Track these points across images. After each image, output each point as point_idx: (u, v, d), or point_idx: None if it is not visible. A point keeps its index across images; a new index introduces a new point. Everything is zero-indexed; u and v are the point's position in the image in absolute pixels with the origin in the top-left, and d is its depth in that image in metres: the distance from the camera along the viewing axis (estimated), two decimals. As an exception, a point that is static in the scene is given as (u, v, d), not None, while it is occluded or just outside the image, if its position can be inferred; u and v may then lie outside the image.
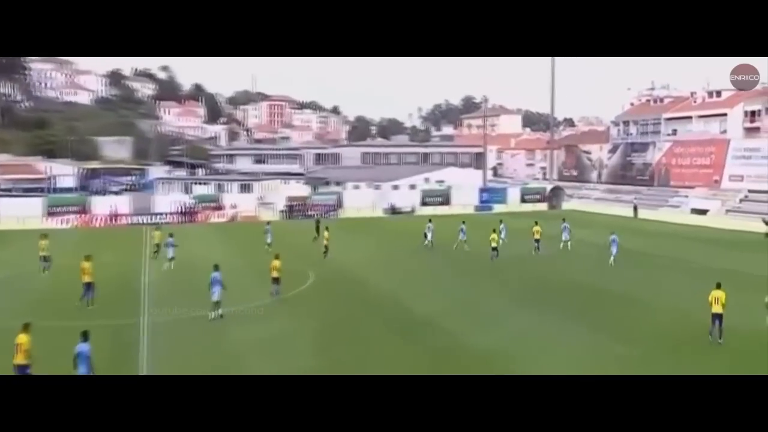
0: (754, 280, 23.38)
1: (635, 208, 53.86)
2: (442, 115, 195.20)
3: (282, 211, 53.49)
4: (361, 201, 56.73)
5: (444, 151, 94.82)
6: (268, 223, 38.52)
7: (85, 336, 12.82)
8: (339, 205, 55.71)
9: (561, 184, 70.03)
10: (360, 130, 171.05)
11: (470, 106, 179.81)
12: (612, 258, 28.87)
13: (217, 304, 19.22)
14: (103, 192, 68.83)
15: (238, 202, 54.33)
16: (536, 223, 33.31)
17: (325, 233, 31.84)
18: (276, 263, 22.19)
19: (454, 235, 34.63)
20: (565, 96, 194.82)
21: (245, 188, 66.42)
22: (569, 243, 33.26)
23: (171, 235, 28.83)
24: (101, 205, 50.83)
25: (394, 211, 56.51)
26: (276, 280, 22.05)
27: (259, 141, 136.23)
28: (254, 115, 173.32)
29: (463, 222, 35.40)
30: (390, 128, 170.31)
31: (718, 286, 17.11)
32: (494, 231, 31.31)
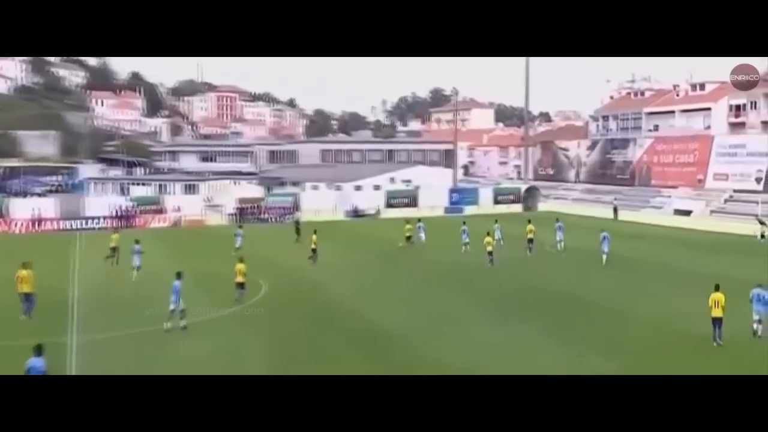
0: (743, 285, 24.08)
1: (615, 210, 55.12)
2: (409, 108, 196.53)
3: (232, 215, 52.79)
4: (320, 203, 56.40)
5: (411, 148, 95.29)
6: (240, 226, 39.26)
7: (39, 350, 12.73)
8: (296, 207, 55.27)
9: (537, 183, 71.22)
10: (319, 125, 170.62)
11: (439, 99, 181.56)
12: (604, 257, 30.00)
13: (182, 313, 19.32)
14: (24, 194, 66.67)
15: (183, 205, 53.37)
16: (529, 222, 34.49)
17: (313, 236, 32.15)
18: (241, 267, 22.86)
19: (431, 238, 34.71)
20: (541, 89, 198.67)
21: (190, 189, 65.38)
22: (563, 243, 34.55)
23: (137, 242, 28.27)
24: (22, 209, 49.11)
25: (356, 213, 56.39)
26: (240, 285, 22.77)
27: (206, 136, 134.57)
28: (201, 108, 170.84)
29: (464, 223, 36.12)
30: (352, 123, 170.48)
31: (717, 288, 17.76)
32: (488, 233, 31.58)
